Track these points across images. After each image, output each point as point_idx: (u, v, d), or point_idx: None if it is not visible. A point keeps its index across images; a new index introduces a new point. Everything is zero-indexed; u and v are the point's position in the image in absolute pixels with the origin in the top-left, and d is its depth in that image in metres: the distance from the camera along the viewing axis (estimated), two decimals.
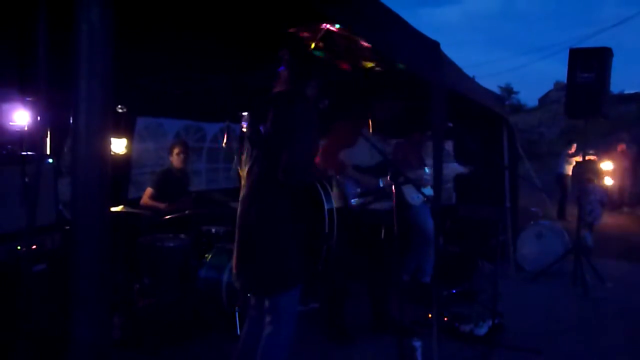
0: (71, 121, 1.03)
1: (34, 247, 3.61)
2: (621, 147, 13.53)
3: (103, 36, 0.98)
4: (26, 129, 4.23)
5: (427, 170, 5.17)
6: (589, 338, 4.46)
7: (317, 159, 4.15)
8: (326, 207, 2.83)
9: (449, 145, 7.06)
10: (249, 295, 3.00)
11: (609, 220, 10.66)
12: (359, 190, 4.24)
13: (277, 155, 2.56)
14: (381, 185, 4.32)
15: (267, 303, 2.74)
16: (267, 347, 2.70)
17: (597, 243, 8.18)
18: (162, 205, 5.04)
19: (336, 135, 4.24)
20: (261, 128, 2.69)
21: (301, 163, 2.60)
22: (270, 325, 2.72)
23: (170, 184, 5.24)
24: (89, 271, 0.96)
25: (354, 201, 4.22)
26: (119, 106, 5.11)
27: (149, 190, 5.22)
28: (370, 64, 3.86)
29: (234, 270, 2.82)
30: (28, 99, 3.93)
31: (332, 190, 4.20)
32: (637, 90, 22.97)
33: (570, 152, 11.73)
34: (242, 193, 2.77)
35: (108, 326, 1.12)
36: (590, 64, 5.79)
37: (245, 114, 2.83)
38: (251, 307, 2.93)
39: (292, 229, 2.68)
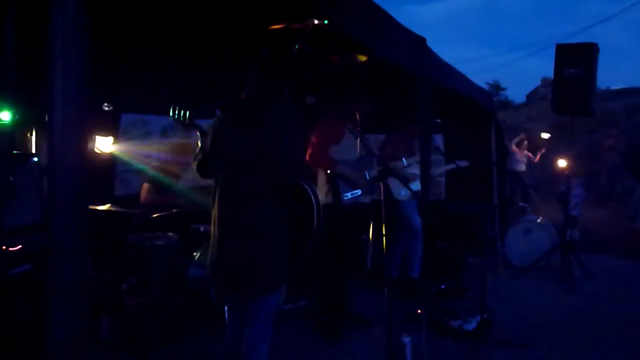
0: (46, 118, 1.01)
1: (19, 247, 3.57)
2: (610, 142, 13.67)
3: (79, 29, 0.96)
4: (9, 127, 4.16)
5: (404, 161, 5.19)
6: (576, 332, 4.49)
7: (308, 158, 4.15)
8: (314, 201, 2.86)
9: (439, 141, 7.06)
10: (229, 299, 2.93)
11: (596, 215, 10.75)
12: (350, 185, 4.25)
13: (267, 158, 2.58)
14: (367, 178, 4.35)
15: (251, 304, 2.71)
16: (255, 348, 2.70)
17: (584, 238, 8.25)
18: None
19: (324, 133, 4.23)
20: (244, 131, 2.67)
21: (295, 165, 2.70)
22: (255, 326, 2.70)
23: (166, 180, 5.25)
24: (67, 270, 0.95)
25: (348, 196, 4.23)
26: (105, 104, 5.06)
27: (145, 186, 5.21)
28: (364, 58, 3.85)
29: (217, 274, 2.76)
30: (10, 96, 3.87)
31: (325, 187, 4.22)
32: (622, 87, 23.19)
33: (520, 148, 11.86)
34: (222, 194, 2.71)
35: (86, 325, 1.10)
36: (576, 59, 5.82)
37: (218, 113, 2.75)
38: (231, 310, 2.89)
39: (285, 228, 2.69)
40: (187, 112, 2.88)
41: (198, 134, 2.88)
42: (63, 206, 0.95)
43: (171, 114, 2.88)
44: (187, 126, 2.94)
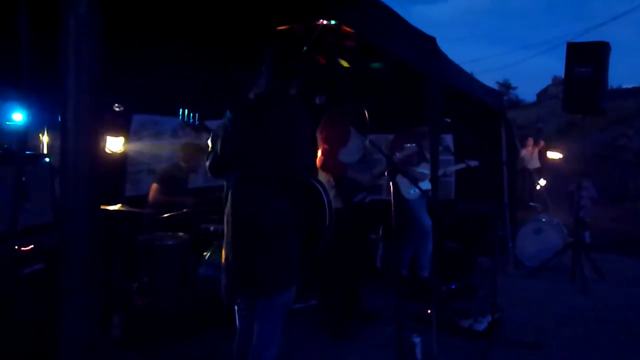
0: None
1: (32, 246, 3.61)
2: (622, 141, 13.59)
3: (91, 30, 0.97)
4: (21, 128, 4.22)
5: (397, 155, 5.20)
6: (588, 332, 4.46)
7: (321, 166, 4.16)
8: (325, 199, 2.86)
9: (449, 140, 7.04)
10: (240, 298, 2.93)
11: (609, 214, 10.67)
12: (356, 188, 4.27)
13: (278, 158, 2.58)
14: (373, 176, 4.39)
15: (262, 303, 2.71)
16: (265, 347, 2.70)
17: (596, 237, 8.19)
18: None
19: (334, 138, 4.23)
20: (253, 129, 2.67)
21: (306, 164, 2.72)
22: (265, 326, 2.70)
23: (175, 180, 5.28)
24: (79, 268, 0.95)
25: (357, 198, 4.25)
26: (116, 105, 5.10)
27: (154, 186, 5.24)
28: (346, 64, 3.84)
29: (229, 272, 2.77)
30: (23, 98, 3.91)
31: (332, 192, 4.22)
32: (635, 85, 22.97)
33: (528, 148, 11.94)
34: (234, 194, 2.72)
35: (98, 323, 1.11)
36: (588, 58, 5.78)
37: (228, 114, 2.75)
38: (242, 309, 2.89)
39: (296, 227, 2.70)
40: (197, 115, 2.89)
41: (209, 135, 2.90)
42: (75, 206, 0.96)
43: (181, 116, 2.89)
44: (197, 129, 2.95)
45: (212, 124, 3.01)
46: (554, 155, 11.94)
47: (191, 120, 2.90)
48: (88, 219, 0.97)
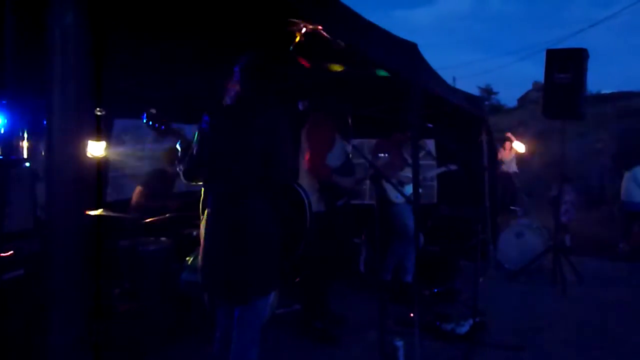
0: (45, 124, 1.01)
1: (11, 252, 3.56)
2: (600, 145, 13.80)
3: (78, 40, 0.97)
4: (1, 132, 4.17)
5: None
6: (568, 334, 4.52)
7: (308, 168, 4.17)
8: (306, 201, 2.86)
9: (431, 146, 7.10)
10: (219, 303, 2.93)
11: (588, 217, 10.82)
12: (339, 192, 4.30)
13: (258, 163, 2.59)
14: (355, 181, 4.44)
15: (241, 308, 2.71)
16: (244, 354, 2.69)
17: (576, 241, 8.31)
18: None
19: (321, 142, 4.25)
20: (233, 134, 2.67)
21: (287, 168, 2.72)
22: (245, 331, 2.70)
23: (160, 184, 5.24)
24: (65, 275, 0.95)
25: (340, 203, 4.28)
26: (98, 109, 5.05)
27: (138, 189, 5.20)
28: (337, 67, 3.84)
29: (204, 277, 2.76)
30: (3, 102, 3.86)
31: (315, 195, 4.23)
32: (613, 90, 23.34)
33: (506, 150, 11.94)
34: (213, 199, 2.71)
35: (86, 331, 1.11)
36: (566, 64, 5.88)
37: (205, 118, 2.72)
38: (220, 315, 2.88)
39: (276, 232, 2.70)
40: (162, 119, 2.81)
41: (178, 140, 2.85)
42: (61, 214, 0.96)
43: (145, 120, 2.79)
44: (163, 133, 2.87)
45: (194, 127, 2.97)
46: (518, 146, 11.80)
47: (156, 124, 2.82)
48: (75, 226, 0.96)
